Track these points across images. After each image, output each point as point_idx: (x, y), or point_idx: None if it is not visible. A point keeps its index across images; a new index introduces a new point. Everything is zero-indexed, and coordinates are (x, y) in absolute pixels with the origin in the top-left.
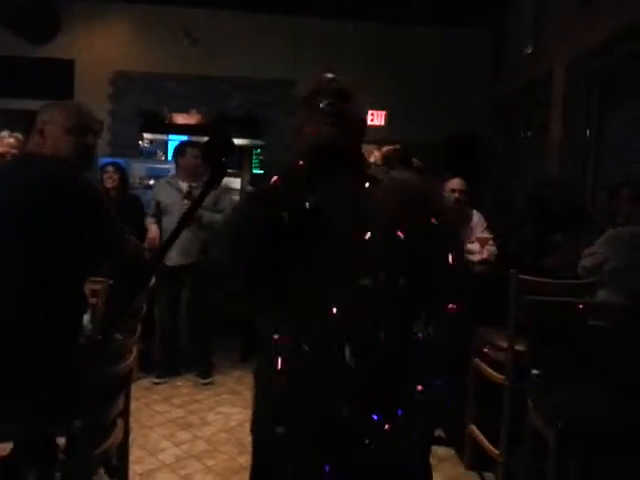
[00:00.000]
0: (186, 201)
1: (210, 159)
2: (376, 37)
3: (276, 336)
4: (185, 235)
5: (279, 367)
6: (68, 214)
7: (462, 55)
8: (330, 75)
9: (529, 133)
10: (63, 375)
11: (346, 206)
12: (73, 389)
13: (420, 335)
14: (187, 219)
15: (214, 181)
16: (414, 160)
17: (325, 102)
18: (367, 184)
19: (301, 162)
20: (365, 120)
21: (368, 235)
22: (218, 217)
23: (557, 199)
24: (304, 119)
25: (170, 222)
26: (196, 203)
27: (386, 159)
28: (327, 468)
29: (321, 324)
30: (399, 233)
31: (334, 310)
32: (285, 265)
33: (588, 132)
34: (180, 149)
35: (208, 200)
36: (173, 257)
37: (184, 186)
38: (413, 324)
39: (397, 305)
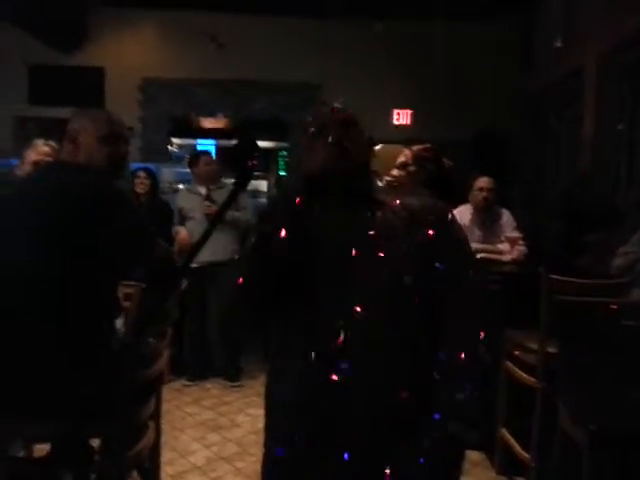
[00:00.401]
0: (207, 202)
1: (236, 163)
2: (402, 36)
3: (289, 355)
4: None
5: (293, 394)
6: (102, 221)
7: (489, 50)
8: (337, 105)
9: (560, 127)
10: (97, 377)
11: (348, 233)
12: (107, 391)
13: (442, 356)
14: (217, 221)
15: (241, 184)
16: (445, 160)
17: (331, 136)
18: (371, 209)
19: (300, 195)
20: (371, 141)
21: (369, 260)
22: (238, 215)
23: (588, 195)
24: (310, 152)
25: (193, 225)
26: (225, 205)
27: (416, 159)
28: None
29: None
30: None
31: (341, 338)
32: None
33: (621, 126)
34: (193, 159)
35: (225, 199)
36: (199, 257)
37: (203, 190)
38: (432, 347)
39: (409, 330)
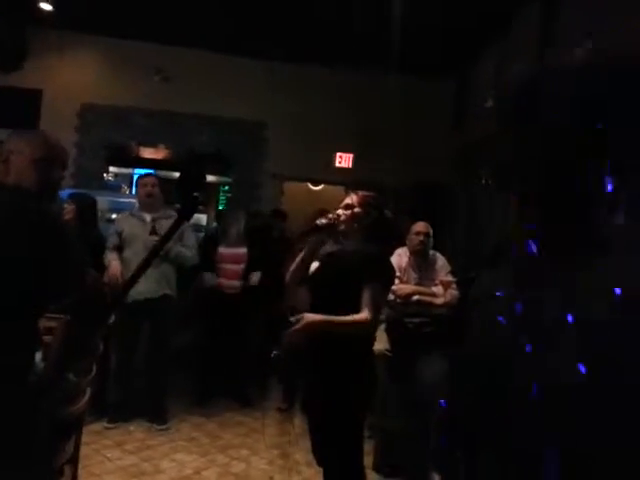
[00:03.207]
0: (154, 237)
1: (182, 194)
2: (347, 83)
3: None
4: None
5: None
6: (25, 245)
7: (428, 103)
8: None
9: (491, 183)
10: (9, 416)
11: None
12: (19, 432)
13: None
14: (155, 254)
15: (185, 215)
16: (385, 210)
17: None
18: None
19: None
20: None
21: None
22: (184, 251)
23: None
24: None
25: (131, 255)
26: (166, 238)
27: (363, 204)
28: None
29: None
30: None
31: None
32: None
33: None
34: (136, 180)
35: (167, 230)
36: (133, 292)
37: (147, 217)
38: None
39: None
